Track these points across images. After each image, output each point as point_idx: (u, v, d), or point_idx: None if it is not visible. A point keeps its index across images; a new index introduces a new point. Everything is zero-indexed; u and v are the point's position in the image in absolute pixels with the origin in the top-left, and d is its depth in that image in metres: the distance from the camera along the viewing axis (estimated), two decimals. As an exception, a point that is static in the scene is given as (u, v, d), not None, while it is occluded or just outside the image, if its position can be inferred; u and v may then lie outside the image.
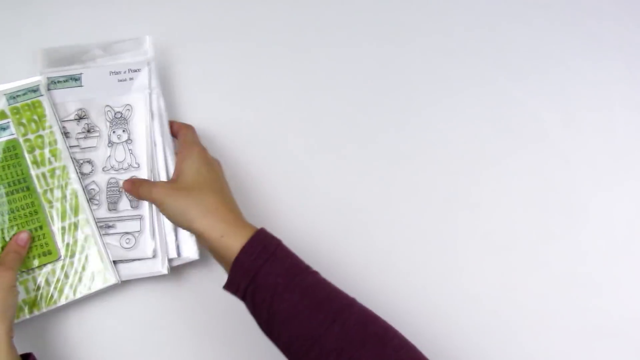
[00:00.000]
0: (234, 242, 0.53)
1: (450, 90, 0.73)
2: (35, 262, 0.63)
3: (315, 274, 0.53)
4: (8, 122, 0.64)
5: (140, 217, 0.64)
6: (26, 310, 0.62)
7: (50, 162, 0.65)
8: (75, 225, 0.65)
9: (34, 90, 0.65)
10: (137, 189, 0.62)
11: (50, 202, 0.64)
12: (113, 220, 0.63)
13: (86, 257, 0.64)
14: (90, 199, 0.63)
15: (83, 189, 0.65)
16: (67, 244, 0.64)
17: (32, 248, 0.63)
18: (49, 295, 0.63)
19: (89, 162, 0.64)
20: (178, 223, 0.58)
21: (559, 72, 0.74)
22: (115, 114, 0.64)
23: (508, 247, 0.69)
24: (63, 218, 0.64)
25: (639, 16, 0.74)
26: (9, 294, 0.56)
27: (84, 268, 0.64)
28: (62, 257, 0.64)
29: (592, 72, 0.74)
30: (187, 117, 0.71)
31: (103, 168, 0.65)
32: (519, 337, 0.66)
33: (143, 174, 0.64)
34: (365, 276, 0.66)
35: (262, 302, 0.51)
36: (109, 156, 0.64)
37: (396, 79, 0.73)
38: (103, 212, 0.64)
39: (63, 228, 0.64)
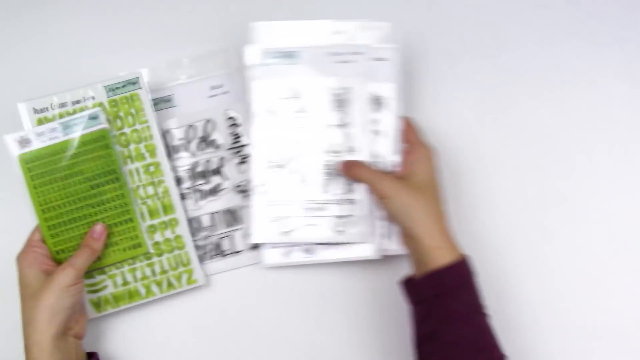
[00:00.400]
0: (443, 257, 0.55)
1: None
2: (125, 254, 0.63)
3: (487, 317, 0.56)
4: (97, 112, 0.62)
5: (351, 202, 0.62)
6: (111, 303, 0.63)
7: (144, 158, 0.64)
8: (166, 224, 0.64)
9: (133, 82, 0.63)
10: (353, 168, 0.60)
11: (142, 198, 0.64)
12: (325, 202, 0.62)
13: (175, 257, 0.64)
14: (303, 180, 0.62)
15: (176, 186, 0.64)
16: (157, 242, 0.64)
17: (122, 241, 0.63)
18: (136, 290, 0.63)
19: (301, 142, 0.62)
20: (398, 220, 0.58)
21: (559, 72, 0.72)
22: (334, 96, 0.62)
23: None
24: (154, 216, 0.64)
25: (639, 16, 0.73)
26: (63, 295, 0.55)
27: (173, 267, 0.64)
28: (151, 252, 0.63)
29: (593, 72, 0.73)
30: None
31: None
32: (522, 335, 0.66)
33: (357, 159, 0.62)
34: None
35: (434, 318, 0.55)
36: (324, 138, 0.62)
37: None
38: (314, 194, 0.62)
39: (153, 226, 0.64)
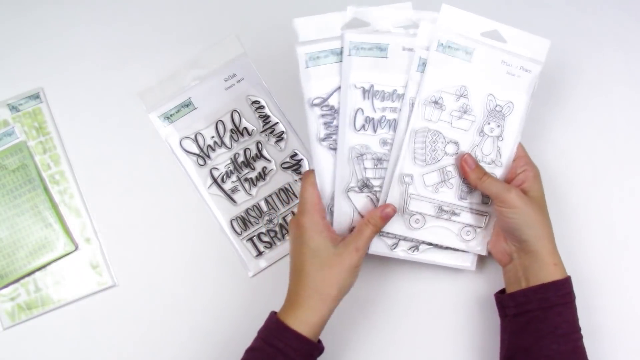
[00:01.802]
0: (555, 274, 0.56)
1: None
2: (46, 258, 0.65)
3: (581, 339, 0.56)
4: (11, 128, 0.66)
5: (487, 215, 0.61)
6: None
7: (50, 167, 0.67)
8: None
9: (35, 97, 0.68)
10: (483, 178, 0.58)
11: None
12: (460, 208, 0.61)
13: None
14: (443, 181, 0.60)
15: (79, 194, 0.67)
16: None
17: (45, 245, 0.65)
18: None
19: (455, 143, 0.60)
20: (518, 233, 0.57)
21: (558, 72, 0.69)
22: (495, 105, 0.60)
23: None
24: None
25: (639, 16, 0.70)
26: (350, 275, 0.56)
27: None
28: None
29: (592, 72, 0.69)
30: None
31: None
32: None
33: (500, 174, 0.61)
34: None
35: (533, 332, 0.55)
36: (476, 145, 0.60)
37: None
38: (452, 197, 0.60)
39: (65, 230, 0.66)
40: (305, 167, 0.67)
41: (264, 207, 0.66)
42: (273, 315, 0.55)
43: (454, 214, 0.61)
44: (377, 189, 0.60)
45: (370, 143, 0.59)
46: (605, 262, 0.65)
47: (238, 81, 0.68)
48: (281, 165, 0.67)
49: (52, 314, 0.65)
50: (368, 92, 0.59)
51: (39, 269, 0.65)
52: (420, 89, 0.59)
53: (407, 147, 0.59)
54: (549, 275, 0.56)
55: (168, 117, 0.67)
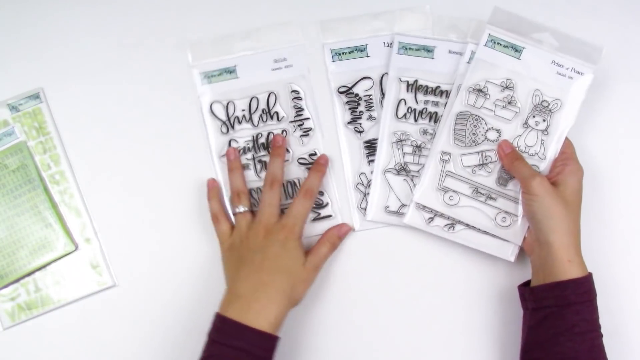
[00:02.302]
0: (572, 271, 0.56)
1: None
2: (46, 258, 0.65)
3: (601, 337, 0.56)
4: (11, 129, 0.66)
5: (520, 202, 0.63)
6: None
7: (50, 167, 0.67)
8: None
9: (35, 97, 0.68)
10: (515, 162, 0.61)
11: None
12: (497, 193, 0.63)
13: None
14: (482, 164, 0.63)
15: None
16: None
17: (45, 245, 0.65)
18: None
19: (497, 130, 0.64)
20: (536, 223, 0.59)
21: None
22: (542, 101, 0.63)
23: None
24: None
25: (639, 16, 0.71)
26: (307, 289, 0.61)
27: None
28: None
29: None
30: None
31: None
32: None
33: (545, 168, 0.63)
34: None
35: (550, 328, 0.55)
36: (519, 136, 0.64)
37: None
38: (490, 182, 0.63)
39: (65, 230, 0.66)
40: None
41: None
42: (224, 317, 0.55)
43: (491, 197, 0.63)
44: (415, 174, 0.66)
45: (411, 131, 0.66)
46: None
47: (286, 66, 0.68)
48: (298, 159, 0.67)
49: (52, 314, 0.65)
50: (412, 86, 0.66)
51: (39, 269, 0.65)
52: (466, 77, 0.64)
53: (448, 127, 0.64)
54: (562, 271, 0.56)
55: (208, 77, 0.67)
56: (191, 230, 0.66)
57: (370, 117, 0.67)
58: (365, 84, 0.68)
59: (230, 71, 0.67)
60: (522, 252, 0.64)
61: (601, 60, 0.63)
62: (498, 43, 0.64)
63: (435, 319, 0.65)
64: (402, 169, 0.65)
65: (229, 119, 0.67)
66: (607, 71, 0.68)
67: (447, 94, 0.66)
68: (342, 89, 0.67)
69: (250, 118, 0.67)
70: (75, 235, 0.66)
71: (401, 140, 0.66)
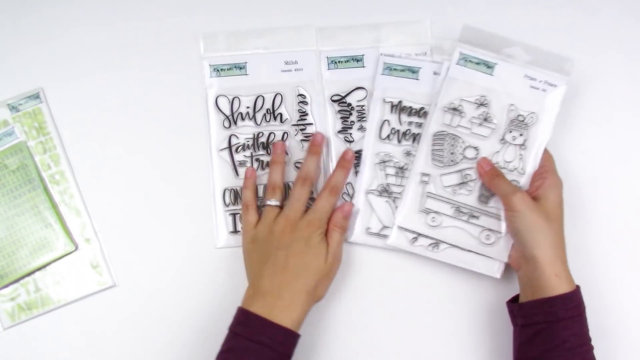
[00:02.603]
0: (559, 286, 0.55)
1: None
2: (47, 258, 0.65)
3: (591, 350, 0.56)
4: (11, 129, 0.66)
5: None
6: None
7: (50, 167, 0.67)
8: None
9: (35, 97, 0.68)
10: (495, 179, 0.61)
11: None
12: (480, 211, 0.63)
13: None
14: (462, 183, 0.63)
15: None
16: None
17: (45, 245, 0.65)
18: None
19: (475, 148, 0.64)
20: (520, 238, 0.58)
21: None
22: (517, 116, 0.64)
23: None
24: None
25: (639, 16, 0.70)
26: (331, 282, 0.61)
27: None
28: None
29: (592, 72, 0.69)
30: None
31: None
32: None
33: (525, 182, 0.63)
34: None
35: (540, 344, 0.55)
36: (497, 152, 0.64)
37: None
38: (471, 200, 0.63)
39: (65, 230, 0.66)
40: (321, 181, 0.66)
41: (260, 192, 0.66)
42: (249, 312, 0.56)
43: (473, 216, 0.63)
44: (397, 195, 0.65)
45: (394, 152, 0.65)
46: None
47: (296, 69, 0.68)
48: (295, 163, 0.67)
49: (52, 314, 0.65)
50: (396, 107, 0.66)
51: (39, 269, 0.65)
52: (441, 96, 0.64)
53: (426, 148, 0.64)
54: (550, 286, 0.55)
55: (218, 70, 0.67)
56: (191, 230, 0.66)
57: (361, 128, 0.67)
58: (359, 94, 0.67)
59: (240, 67, 0.68)
60: (508, 268, 0.63)
61: (573, 71, 0.63)
62: (470, 61, 0.64)
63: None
64: (384, 190, 0.65)
65: (232, 114, 0.67)
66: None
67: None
68: (335, 98, 0.67)
69: (254, 116, 0.67)
70: (75, 235, 0.66)
71: (384, 162, 0.65)
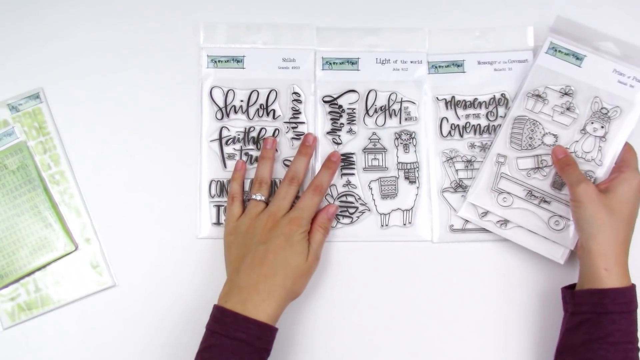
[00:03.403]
0: (609, 280, 0.56)
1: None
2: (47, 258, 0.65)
3: (636, 351, 0.55)
4: (11, 129, 0.66)
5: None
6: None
7: (50, 167, 0.67)
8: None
9: (35, 97, 0.68)
10: (566, 167, 0.62)
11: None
12: (551, 197, 0.64)
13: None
14: (537, 168, 0.65)
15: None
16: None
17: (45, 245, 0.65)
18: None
19: (554, 135, 0.65)
20: (578, 227, 0.59)
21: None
22: (601, 108, 0.65)
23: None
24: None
25: (639, 16, 0.71)
26: (308, 280, 0.61)
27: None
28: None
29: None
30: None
31: (567, 148, 0.65)
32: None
33: (602, 174, 0.64)
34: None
35: (584, 333, 0.55)
36: (576, 142, 0.65)
37: None
38: (545, 185, 0.64)
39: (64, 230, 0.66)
40: (308, 178, 0.66)
41: (246, 187, 0.66)
42: (224, 309, 0.56)
43: (544, 201, 0.64)
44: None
45: (459, 147, 0.67)
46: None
47: (293, 67, 0.68)
48: (283, 161, 0.67)
49: (52, 314, 0.65)
50: (450, 103, 0.67)
51: (39, 269, 0.65)
52: (525, 82, 0.66)
53: (505, 131, 0.65)
54: (598, 278, 0.55)
55: (215, 61, 0.68)
56: (191, 230, 0.66)
57: (350, 131, 0.67)
58: (351, 97, 0.68)
59: (238, 60, 0.68)
60: (572, 255, 0.63)
61: None
62: (559, 50, 0.65)
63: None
64: (458, 186, 0.66)
65: (226, 106, 0.67)
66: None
67: (485, 104, 0.67)
68: (326, 99, 0.68)
69: (247, 110, 0.67)
70: (75, 235, 0.66)
71: (451, 158, 0.67)
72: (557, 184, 0.64)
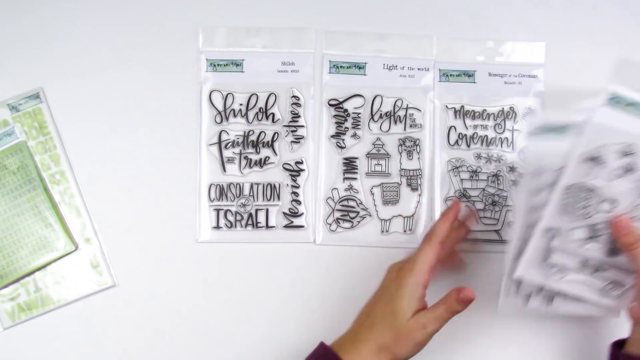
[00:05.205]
0: None
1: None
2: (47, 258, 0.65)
3: None
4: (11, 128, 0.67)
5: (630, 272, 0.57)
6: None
7: (49, 167, 0.67)
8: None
9: (35, 97, 0.68)
10: (629, 239, 0.55)
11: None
12: (607, 265, 0.57)
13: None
14: (592, 237, 0.57)
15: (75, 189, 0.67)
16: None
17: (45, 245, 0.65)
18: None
19: (612, 201, 0.56)
20: None
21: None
22: None
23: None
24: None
25: (639, 16, 0.70)
26: (412, 349, 0.55)
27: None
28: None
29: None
30: None
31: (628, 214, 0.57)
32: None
33: None
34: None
35: None
36: (638, 205, 0.56)
37: None
38: (599, 254, 0.56)
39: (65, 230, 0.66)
40: (304, 178, 0.67)
41: (246, 191, 0.66)
42: (328, 349, 0.55)
43: (599, 270, 0.57)
44: (475, 199, 0.67)
45: (465, 157, 0.67)
46: None
47: (293, 71, 0.68)
48: (283, 164, 0.67)
49: (52, 314, 0.65)
50: (459, 112, 0.67)
51: (39, 269, 0.65)
52: (580, 144, 0.56)
53: (556, 201, 0.57)
54: None
55: (214, 65, 0.68)
56: (192, 230, 0.66)
57: (354, 135, 0.67)
58: (357, 101, 0.68)
59: (237, 64, 0.68)
60: None
61: None
62: (619, 102, 0.56)
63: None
64: (462, 196, 0.66)
65: (225, 110, 0.67)
66: None
67: (494, 116, 0.67)
68: (332, 102, 0.68)
69: (246, 114, 0.68)
70: (75, 235, 0.66)
71: (457, 167, 0.67)
72: (614, 251, 0.56)
